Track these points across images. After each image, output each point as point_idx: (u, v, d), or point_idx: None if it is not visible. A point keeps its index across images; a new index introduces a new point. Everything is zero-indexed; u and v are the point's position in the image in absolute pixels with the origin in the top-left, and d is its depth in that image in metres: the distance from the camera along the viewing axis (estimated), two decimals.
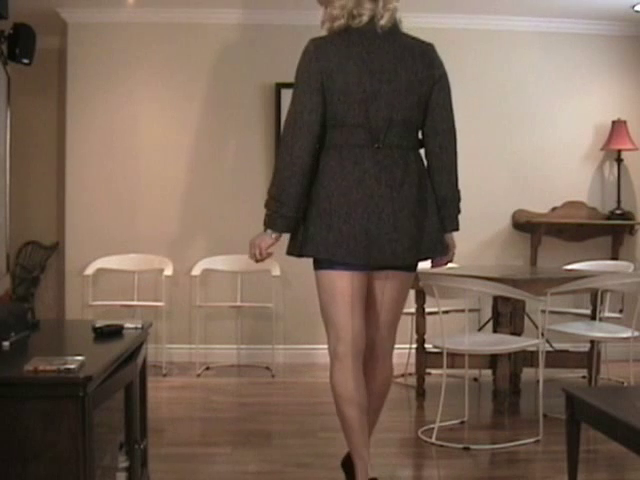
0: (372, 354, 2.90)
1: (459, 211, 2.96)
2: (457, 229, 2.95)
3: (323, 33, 2.88)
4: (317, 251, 2.77)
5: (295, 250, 2.84)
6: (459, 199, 2.95)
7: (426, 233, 2.82)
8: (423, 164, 2.88)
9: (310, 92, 2.74)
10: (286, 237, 2.91)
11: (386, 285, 2.86)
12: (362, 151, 2.77)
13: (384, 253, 2.75)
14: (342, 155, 2.78)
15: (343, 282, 2.78)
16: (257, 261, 2.90)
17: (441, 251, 2.90)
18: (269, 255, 2.87)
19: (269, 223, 2.82)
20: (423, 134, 2.88)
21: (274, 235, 2.82)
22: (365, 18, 2.76)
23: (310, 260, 2.88)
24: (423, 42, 2.87)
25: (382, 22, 2.76)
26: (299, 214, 2.80)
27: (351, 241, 2.73)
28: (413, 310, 4.81)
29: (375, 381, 2.91)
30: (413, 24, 5.88)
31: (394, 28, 2.81)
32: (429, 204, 2.84)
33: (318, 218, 2.77)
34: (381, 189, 2.75)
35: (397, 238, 2.75)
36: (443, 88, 2.84)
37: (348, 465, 2.90)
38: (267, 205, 2.83)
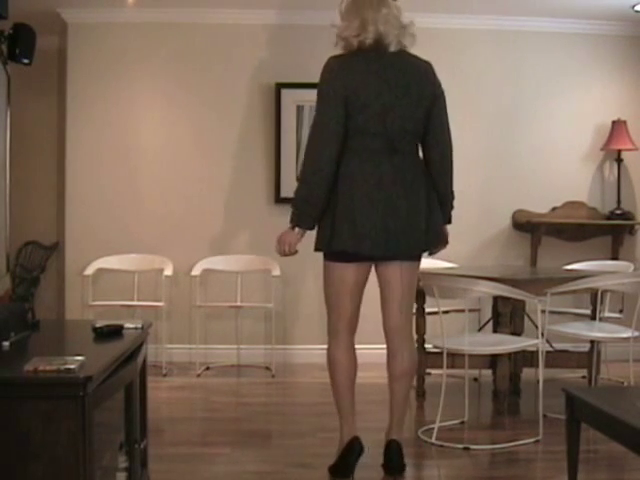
0: (400, 338, 3.30)
1: (453, 207, 3.40)
2: (450, 222, 3.41)
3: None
4: (345, 245, 3.13)
5: (324, 245, 3.19)
6: (453, 197, 3.38)
7: (431, 228, 3.23)
8: (424, 167, 3.29)
9: (335, 104, 3.11)
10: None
11: (403, 273, 3.25)
12: (380, 156, 3.15)
13: (400, 245, 3.16)
14: (362, 159, 3.15)
15: (349, 273, 3.21)
16: (285, 255, 3.28)
17: (442, 242, 3.35)
18: (296, 251, 3.27)
19: (297, 221, 3.20)
20: (424, 143, 3.28)
21: (301, 232, 3.21)
22: (369, 40, 3.13)
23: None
24: (424, 61, 3.28)
25: (391, 44, 3.16)
26: (321, 214, 3.18)
27: (373, 236, 3.11)
28: (413, 310, 4.80)
29: (405, 363, 3.29)
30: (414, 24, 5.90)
31: (402, 50, 3.21)
32: (433, 201, 3.25)
33: (343, 215, 3.12)
34: (397, 189, 3.14)
35: (411, 232, 3.16)
36: (443, 103, 3.26)
37: (343, 464, 3.25)
38: (295, 205, 3.20)
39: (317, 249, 3.24)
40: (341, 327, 3.27)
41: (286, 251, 3.24)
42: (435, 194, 3.25)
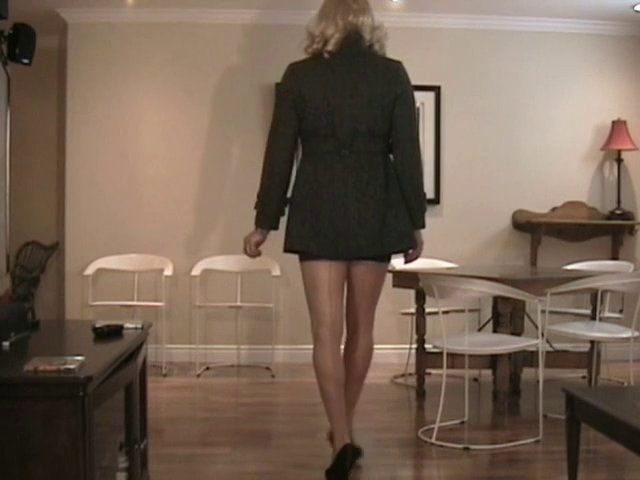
0: (356, 331, 3.38)
1: (424, 210, 3.33)
2: (422, 227, 3.34)
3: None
4: (293, 244, 3.25)
5: (286, 246, 3.31)
6: (422, 200, 3.33)
7: (391, 229, 3.21)
8: (391, 169, 3.27)
9: (283, 108, 3.25)
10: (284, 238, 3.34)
11: (365, 274, 3.28)
12: (332, 157, 3.20)
13: (350, 246, 3.18)
14: (316, 160, 3.23)
15: (321, 271, 3.24)
16: (250, 256, 3.41)
17: (408, 245, 3.31)
18: (259, 252, 3.40)
19: (257, 222, 3.35)
20: (391, 143, 3.27)
21: (262, 232, 3.34)
22: (335, 43, 3.19)
23: None
24: (390, 61, 3.28)
25: (335, 48, 3.19)
26: (280, 214, 3.31)
27: (321, 235, 3.18)
28: (413, 310, 4.81)
29: (358, 354, 3.36)
30: (414, 24, 5.95)
31: (361, 50, 3.22)
32: (396, 203, 3.23)
33: (295, 215, 3.25)
34: (348, 189, 3.17)
35: (362, 233, 3.17)
36: (405, 102, 3.22)
37: (337, 470, 3.18)
38: (256, 206, 3.35)
39: (284, 250, 3.32)
40: (322, 333, 3.25)
41: (247, 251, 3.38)
42: (401, 196, 3.24)
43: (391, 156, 3.29)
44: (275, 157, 3.26)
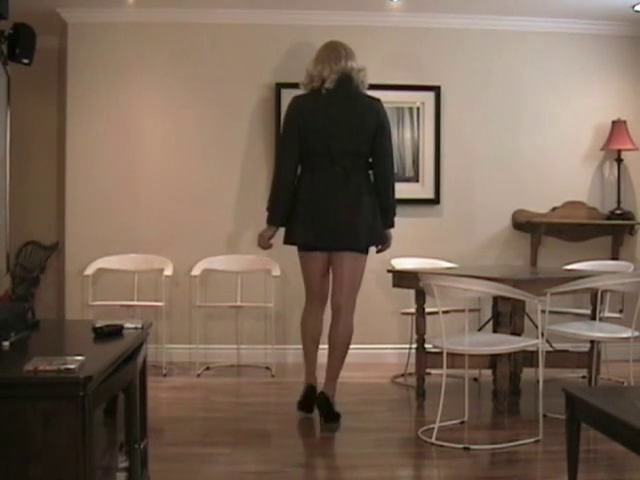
0: (338, 313, 4.19)
1: (394, 214, 4.27)
2: (392, 226, 4.28)
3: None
4: (295, 238, 4.18)
5: (287, 239, 4.22)
6: (394, 205, 4.25)
7: (371, 228, 4.13)
8: (370, 181, 4.18)
9: (291, 132, 4.14)
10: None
11: (346, 263, 4.15)
12: (326, 172, 4.10)
13: (342, 241, 4.10)
14: (313, 174, 4.13)
15: (316, 260, 4.19)
16: (263, 249, 4.32)
17: (382, 241, 4.29)
18: (270, 245, 4.29)
19: (268, 221, 4.24)
20: (371, 162, 4.17)
21: (272, 229, 4.25)
22: (332, 82, 4.09)
23: None
24: (372, 98, 4.19)
25: (331, 86, 4.10)
26: (286, 214, 4.17)
27: (318, 232, 4.08)
28: (413, 310, 4.81)
29: (338, 333, 4.17)
30: (414, 24, 5.95)
31: (351, 89, 4.12)
32: (373, 210, 4.14)
33: (298, 217, 4.12)
34: (339, 198, 4.07)
35: (350, 230, 4.07)
36: (383, 131, 4.16)
37: (303, 403, 4.23)
38: (267, 209, 4.25)
39: (284, 242, 4.24)
40: (312, 298, 4.27)
41: (261, 244, 4.29)
42: (377, 203, 4.13)
43: (370, 172, 4.16)
44: (283, 171, 4.15)
